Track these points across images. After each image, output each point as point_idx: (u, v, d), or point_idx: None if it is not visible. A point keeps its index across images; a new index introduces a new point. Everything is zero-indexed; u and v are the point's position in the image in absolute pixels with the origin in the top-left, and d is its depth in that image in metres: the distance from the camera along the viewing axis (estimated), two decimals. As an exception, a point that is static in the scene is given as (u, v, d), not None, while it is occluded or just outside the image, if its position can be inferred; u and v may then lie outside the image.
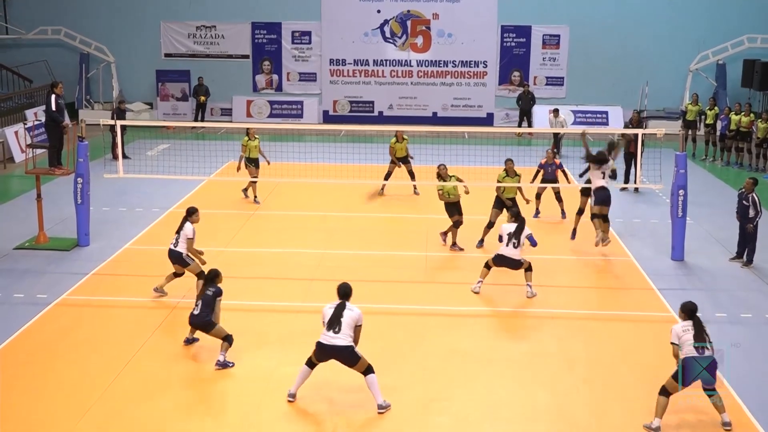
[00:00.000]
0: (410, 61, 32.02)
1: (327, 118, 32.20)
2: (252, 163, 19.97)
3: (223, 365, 11.44)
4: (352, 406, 10.48)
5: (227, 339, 11.55)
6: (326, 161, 21.62)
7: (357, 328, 10.30)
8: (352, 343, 10.22)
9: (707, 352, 9.79)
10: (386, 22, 31.84)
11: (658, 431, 9.83)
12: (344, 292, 10.50)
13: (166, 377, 11.20)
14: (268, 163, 20.18)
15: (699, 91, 28.61)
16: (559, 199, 18.91)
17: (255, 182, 19.86)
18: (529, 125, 30.04)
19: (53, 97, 16.69)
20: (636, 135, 17.95)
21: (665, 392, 9.88)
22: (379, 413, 10.22)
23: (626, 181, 21.17)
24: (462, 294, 14.27)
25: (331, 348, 10.19)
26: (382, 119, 31.56)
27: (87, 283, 14.59)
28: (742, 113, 24.83)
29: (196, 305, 11.66)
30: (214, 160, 22.13)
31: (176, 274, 13.87)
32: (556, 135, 26.57)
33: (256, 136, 20.13)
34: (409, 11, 31.73)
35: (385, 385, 10.98)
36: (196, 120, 30.81)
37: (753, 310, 13.69)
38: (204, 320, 11.55)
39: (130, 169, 20.19)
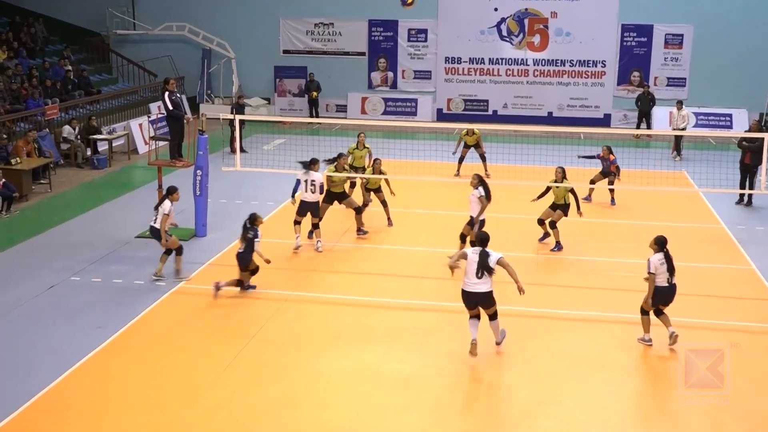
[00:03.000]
0: (526, 59, 31.63)
1: (441, 116, 32.16)
2: (355, 171, 18.64)
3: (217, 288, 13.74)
4: (458, 404, 10.45)
5: (256, 271, 13.94)
6: (439, 159, 21.60)
7: (502, 261, 11.51)
8: (492, 288, 11.49)
9: (673, 280, 11.84)
10: (503, 20, 31.55)
11: (650, 341, 12.08)
12: (482, 239, 11.65)
13: (275, 367, 11.40)
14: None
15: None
16: (611, 183, 19.68)
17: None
18: (648, 127, 29.21)
19: (166, 94, 16.97)
20: (749, 146, 17.73)
21: (645, 312, 12.05)
22: (497, 346, 11.89)
23: (742, 189, 19.83)
24: (572, 297, 14.03)
25: (474, 294, 11.43)
26: (496, 118, 31.28)
27: (204, 273, 15.00)
28: None
29: (242, 245, 13.77)
30: (328, 155, 22.32)
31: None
32: (677, 137, 25.80)
33: (366, 146, 19.21)
34: (526, 9, 31.34)
35: (493, 385, 10.93)
36: (310, 116, 31.27)
37: None
38: (246, 258, 13.72)
39: (246, 163, 20.60)
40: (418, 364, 11.51)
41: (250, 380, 11.00)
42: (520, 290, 11.51)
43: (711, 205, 19.80)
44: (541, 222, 16.67)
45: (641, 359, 11.79)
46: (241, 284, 13.91)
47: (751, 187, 19.35)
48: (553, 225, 16.44)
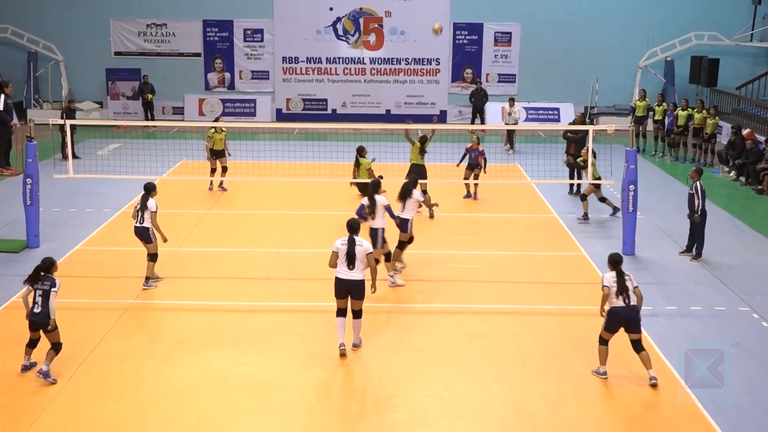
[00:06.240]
0: (363, 58, 32.00)
1: (280, 116, 32.07)
2: (215, 155, 20.62)
3: (45, 375, 10.74)
4: (308, 404, 10.49)
5: (58, 347, 10.84)
6: (280, 159, 21.55)
7: (369, 257, 11.54)
8: (364, 279, 11.61)
9: (632, 302, 10.93)
10: (339, 19, 31.79)
11: (605, 375, 11.16)
12: (352, 226, 11.62)
13: (120, 379, 11.07)
14: (229, 155, 20.96)
15: (648, 87, 29.05)
16: (476, 177, 20.09)
17: (214, 171, 20.71)
18: (482, 122, 30.19)
19: (2, 97, 16.37)
20: (573, 137, 18.83)
21: (603, 341, 11.14)
22: (353, 349, 11.84)
23: (571, 180, 20.73)
24: (416, 290, 14.32)
25: (348, 282, 11.51)
26: (335, 117, 31.49)
27: (37, 286, 14.33)
28: (694, 110, 25.14)
29: (36, 302, 10.68)
30: (166, 159, 21.90)
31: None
32: (509, 131, 26.81)
33: (223, 129, 20.86)
34: (361, 9, 31.71)
35: (342, 383, 11.02)
36: (145, 119, 30.46)
37: (702, 303, 13.93)
38: (48, 318, 10.63)
39: (80, 169, 19.92)
40: (267, 367, 11.46)
41: (92, 395, 10.61)
42: (372, 288, 11.96)
43: (543, 195, 20.69)
44: (583, 197, 18.84)
45: (485, 348, 12.16)
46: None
47: (579, 177, 20.33)
48: (583, 197, 18.80)
